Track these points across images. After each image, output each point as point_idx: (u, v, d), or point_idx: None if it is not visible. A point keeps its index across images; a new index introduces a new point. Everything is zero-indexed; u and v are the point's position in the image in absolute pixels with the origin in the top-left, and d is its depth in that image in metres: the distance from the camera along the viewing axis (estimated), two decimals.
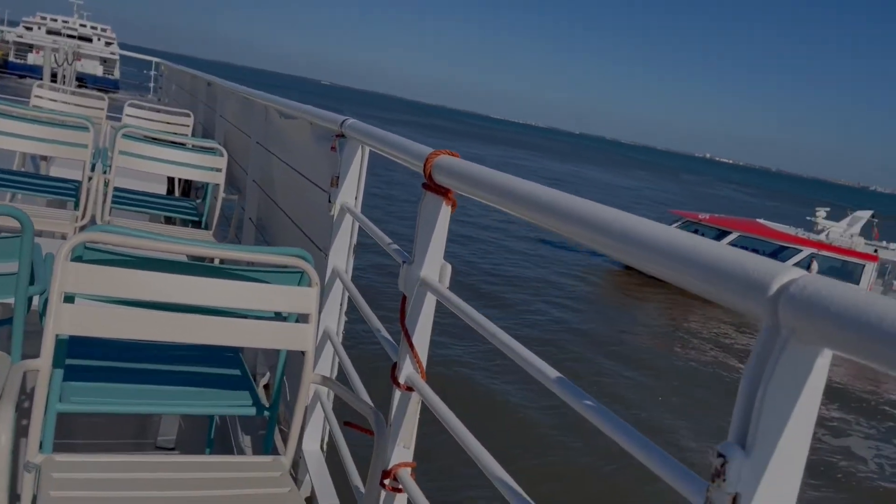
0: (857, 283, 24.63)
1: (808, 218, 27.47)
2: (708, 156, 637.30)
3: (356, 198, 2.68)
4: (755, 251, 19.71)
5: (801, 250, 25.37)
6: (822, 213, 26.82)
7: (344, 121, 2.67)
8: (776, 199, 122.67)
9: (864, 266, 24.80)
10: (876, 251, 25.37)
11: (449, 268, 1.80)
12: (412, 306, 1.83)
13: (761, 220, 28.16)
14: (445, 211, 1.80)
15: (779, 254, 25.47)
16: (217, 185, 4.72)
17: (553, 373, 1.27)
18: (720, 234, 26.49)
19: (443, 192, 1.77)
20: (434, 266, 1.82)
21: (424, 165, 1.77)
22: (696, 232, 27.34)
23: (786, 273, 0.85)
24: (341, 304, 2.71)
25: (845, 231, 26.35)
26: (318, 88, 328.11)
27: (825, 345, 0.82)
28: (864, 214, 26.77)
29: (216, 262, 2.51)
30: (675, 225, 27.72)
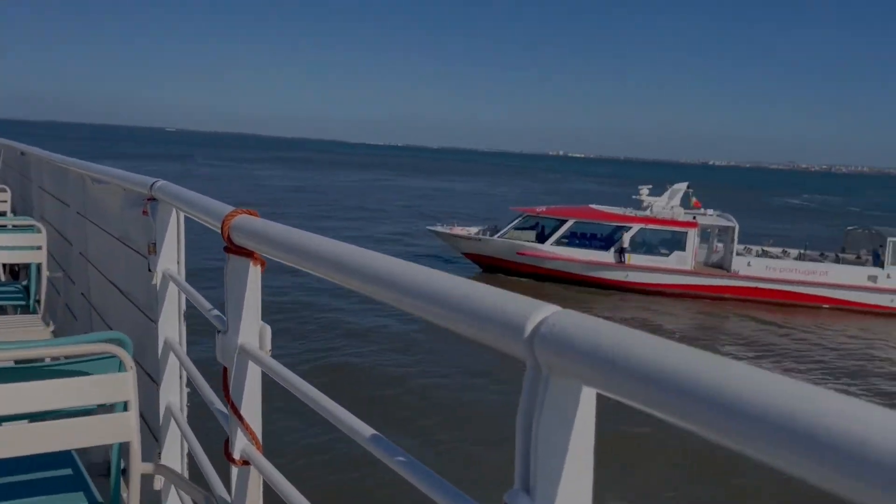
0: (684, 249, 26.76)
1: (633, 196, 29.37)
2: (562, 153, 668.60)
3: (178, 262, 2.55)
4: (593, 235, 20.75)
5: (632, 227, 27.24)
6: (644, 190, 28.88)
7: (154, 183, 2.54)
8: (625, 186, 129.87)
9: (686, 233, 26.92)
10: (694, 218, 27.59)
11: (269, 330, 1.73)
12: (234, 377, 1.74)
13: (594, 206, 29.92)
14: (255, 272, 1.71)
15: (615, 233, 27.27)
16: (40, 263, 4.37)
17: (368, 430, 1.25)
18: (558, 223, 27.86)
19: (246, 252, 1.69)
20: (252, 331, 1.73)
21: (222, 227, 1.68)
22: (536, 225, 28.69)
23: (538, 312, 0.87)
24: (180, 377, 2.55)
25: (667, 204, 28.45)
26: (164, 136, 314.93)
27: (582, 382, 0.84)
28: (682, 186, 29.06)
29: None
30: (517, 220, 28.92)
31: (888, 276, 25.73)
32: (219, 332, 1.81)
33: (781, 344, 21.53)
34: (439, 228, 30.22)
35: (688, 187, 29.29)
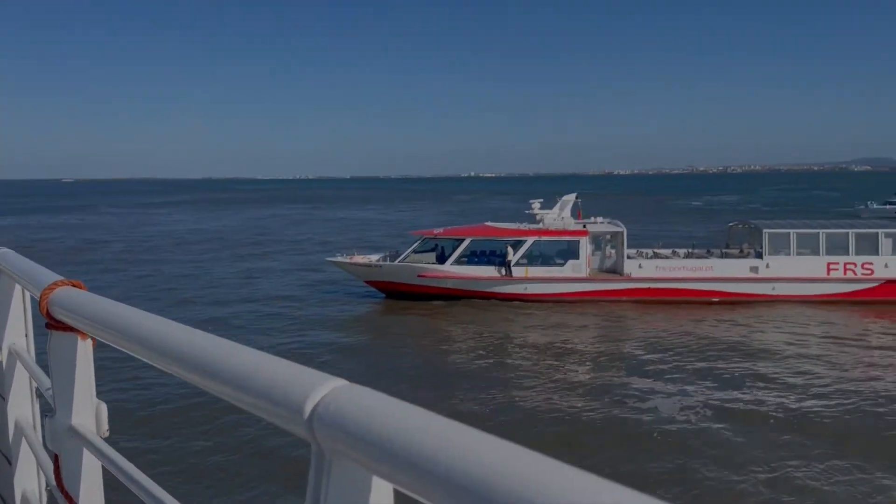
0: (578, 257, 27.55)
1: (525, 211, 30.09)
2: (473, 174, 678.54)
3: (27, 336, 2.32)
4: (491, 252, 20.98)
5: (526, 240, 27.85)
6: (536, 204, 29.66)
7: None
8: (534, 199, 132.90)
9: (579, 241, 27.75)
10: (584, 226, 28.49)
11: (104, 408, 1.58)
12: (66, 465, 1.56)
13: (489, 223, 30.51)
14: (84, 347, 1.55)
15: (516, 246, 27.77)
16: None
17: None
18: (456, 243, 28.19)
19: (69, 328, 1.52)
20: (85, 412, 1.57)
21: (40, 302, 1.53)
22: (435, 247, 28.89)
23: (319, 389, 0.78)
24: (36, 461, 2.24)
25: (558, 215, 29.26)
26: (60, 188, 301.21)
27: (367, 469, 0.74)
28: (570, 197, 29.98)
29: None
30: (417, 243, 29.09)
31: (767, 266, 27.17)
32: (46, 415, 1.64)
33: (678, 339, 22.24)
34: (339, 258, 29.98)
35: (576, 198, 30.15)
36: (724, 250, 30.42)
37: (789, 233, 27.50)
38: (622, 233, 28.07)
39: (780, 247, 27.50)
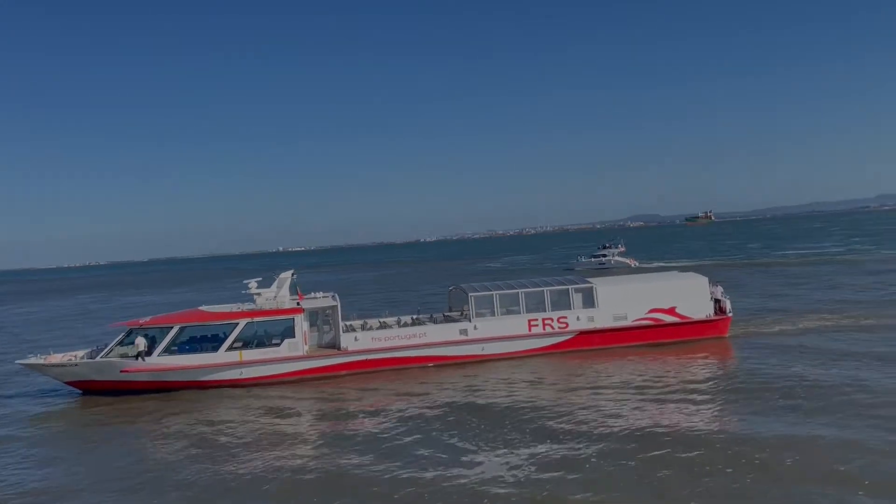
0: (294, 335, 27.30)
1: (243, 291, 29.62)
2: (281, 249, 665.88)
3: None
4: (203, 337, 19.94)
5: (238, 324, 27.13)
6: (253, 283, 29.26)
7: None
8: (347, 272, 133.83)
9: (294, 319, 27.59)
10: (299, 303, 28.52)
11: None
12: None
13: (203, 307, 29.47)
14: None
15: (226, 331, 26.94)
16: None
17: None
18: (164, 332, 26.89)
19: None
20: None
21: None
22: (147, 336, 27.24)
23: None
24: None
25: (277, 293, 29.06)
26: None
27: None
28: (287, 275, 29.99)
29: None
30: (121, 336, 27.44)
31: (475, 328, 28.64)
32: None
33: (400, 406, 22.31)
34: (32, 360, 27.33)
35: (292, 274, 30.11)
36: (445, 314, 31.76)
37: (493, 294, 29.34)
38: (336, 306, 28.33)
39: (485, 308, 29.19)
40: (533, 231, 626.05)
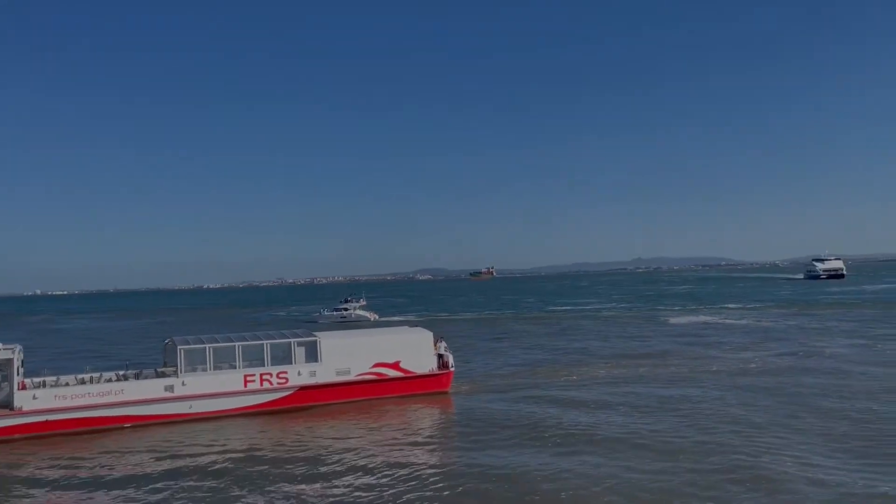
0: None
1: None
2: (39, 292, 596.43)
3: None
4: None
5: None
6: None
7: None
8: (123, 319, 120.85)
9: None
10: None
11: None
12: None
13: None
14: None
15: None
16: None
17: None
18: None
19: None
20: None
21: None
22: None
23: None
24: None
25: None
26: None
27: None
28: None
29: None
30: None
31: (183, 384, 26.24)
32: None
33: (55, 476, 19.20)
34: None
35: None
36: (157, 369, 28.92)
37: (206, 347, 27.20)
38: (11, 360, 24.56)
39: (196, 363, 26.94)
40: (324, 280, 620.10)
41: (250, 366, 27.62)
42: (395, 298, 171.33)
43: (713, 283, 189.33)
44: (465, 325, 72.22)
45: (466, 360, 40.18)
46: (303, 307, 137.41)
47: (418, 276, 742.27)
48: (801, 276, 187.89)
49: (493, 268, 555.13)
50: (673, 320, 67.77)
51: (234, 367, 27.30)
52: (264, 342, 28.05)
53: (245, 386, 27.12)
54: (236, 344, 27.68)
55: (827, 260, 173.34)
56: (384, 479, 17.93)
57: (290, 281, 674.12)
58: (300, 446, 22.13)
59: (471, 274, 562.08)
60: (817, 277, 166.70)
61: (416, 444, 21.90)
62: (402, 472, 18.66)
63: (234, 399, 26.90)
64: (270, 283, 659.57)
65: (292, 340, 28.45)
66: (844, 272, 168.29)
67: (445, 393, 29.95)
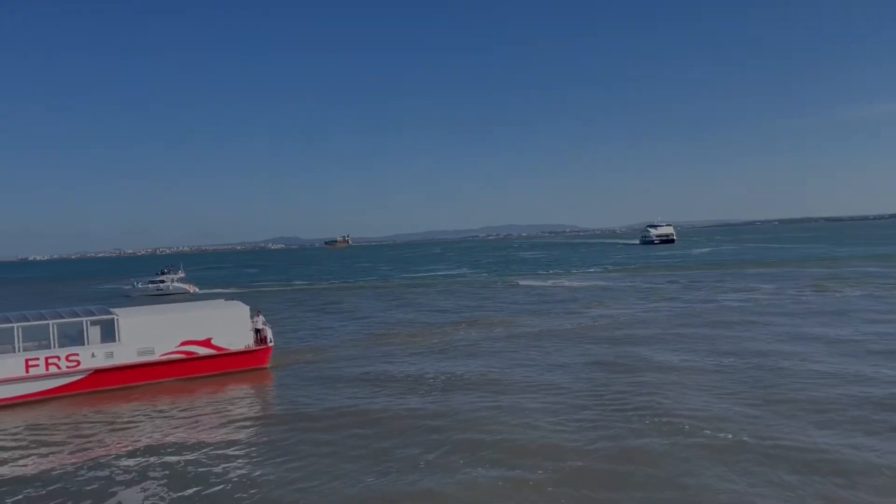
0: None
1: None
2: None
3: None
4: None
5: None
6: None
7: None
8: None
9: None
10: None
11: None
12: None
13: None
14: None
15: None
16: None
17: None
18: None
19: None
20: None
21: None
22: None
23: None
24: None
25: None
26: None
27: None
28: None
29: None
30: None
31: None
32: None
33: None
34: None
35: None
36: None
37: None
38: None
39: None
40: (168, 251, 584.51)
41: (38, 348, 24.36)
42: (247, 269, 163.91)
43: (558, 249, 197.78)
44: (315, 294, 69.93)
45: (297, 331, 38.37)
46: (128, 280, 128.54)
47: (271, 245, 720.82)
48: (636, 241, 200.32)
49: (348, 237, 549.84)
50: (523, 283, 69.95)
51: (13, 351, 23.90)
52: (50, 322, 24.73)
53: (26, 371, 23.84)
54: (15, 325, 24.19)
55: (660, 226, 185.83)
56: (171, 459, 15.97)
57: (130, 251, 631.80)
58: (81, 440, 19.53)
59: (326, 242, 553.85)
60: (651, 243, 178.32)
61: (211, 425, 19.98)
62: (189, 454, 16.78)
63: (12, 387, 23.57)
64: (107, 254, 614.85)
65: (84, 319, 25.30)
66: (675, 237, 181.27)
67: (264, 369, 28.05)
